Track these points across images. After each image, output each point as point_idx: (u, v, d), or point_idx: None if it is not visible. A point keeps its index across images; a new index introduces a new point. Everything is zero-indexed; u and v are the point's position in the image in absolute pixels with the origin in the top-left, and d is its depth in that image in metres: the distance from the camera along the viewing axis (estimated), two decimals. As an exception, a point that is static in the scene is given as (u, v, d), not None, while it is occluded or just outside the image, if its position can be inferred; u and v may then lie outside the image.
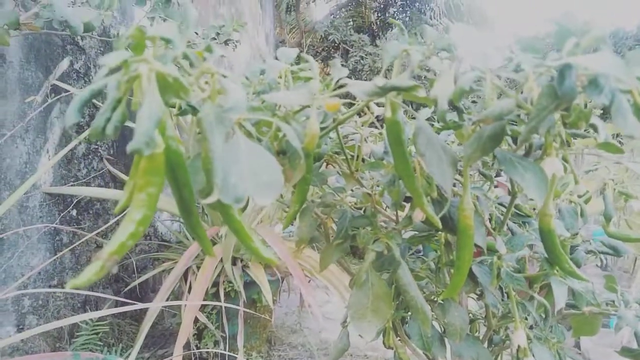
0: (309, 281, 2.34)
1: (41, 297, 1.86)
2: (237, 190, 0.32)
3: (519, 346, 0.56)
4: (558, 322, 0.65)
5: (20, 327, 1.76)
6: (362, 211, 0.58)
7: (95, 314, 1.51)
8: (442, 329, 0.64)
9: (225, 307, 2.21)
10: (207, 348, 2.21)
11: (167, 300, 2.44)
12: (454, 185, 0.59)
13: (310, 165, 0.51)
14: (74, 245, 1.98)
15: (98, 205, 2.25)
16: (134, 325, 2.44)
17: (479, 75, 0.39)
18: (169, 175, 0.37)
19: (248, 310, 2.22)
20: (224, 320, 2.20)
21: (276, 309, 2.81)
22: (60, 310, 1.97)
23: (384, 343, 0.70)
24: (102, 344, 2.09)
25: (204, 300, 2.31)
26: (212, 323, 2.23)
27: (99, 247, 2.27)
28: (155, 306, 2.04)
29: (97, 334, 2.08)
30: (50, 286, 1.90)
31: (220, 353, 2.21)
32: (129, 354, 1.74)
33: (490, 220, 0.66)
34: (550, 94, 0.35)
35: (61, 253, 1.93)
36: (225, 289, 2.21)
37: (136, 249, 2.71)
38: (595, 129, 0.45)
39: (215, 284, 2.22)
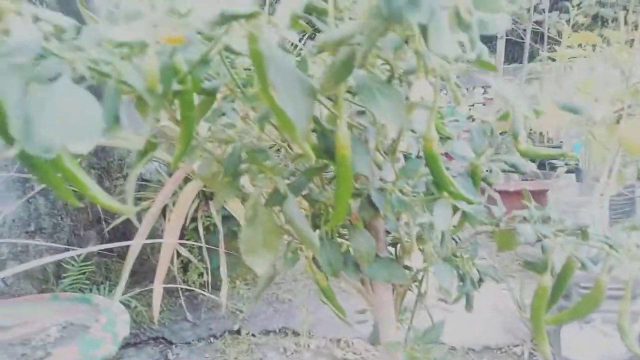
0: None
1: (20, 243, 1.89)
2: (44, 137, 0.31)
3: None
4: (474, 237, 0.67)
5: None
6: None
7: (75, 252, 1.55)
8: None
9: (206, 242, 2.28)
10: (193, 281, 2.30)
11: (148, 237, 2.49)
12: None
13: (188, 102, 0.49)
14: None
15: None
16: (121, 263, 2.51)
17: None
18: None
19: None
20: (206, 254, 2.26)
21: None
22: (42, 255, 2.02)
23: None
24: (89, 282, 2.16)
25: (184, 236, 2.36)
26: (194, 257, 2.30)
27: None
28: (135, 243, 2.09)
29: (83, 273, 2.14)
30: (27, 232, 1.93)
31: (205, 283, 2.30)
32: (115, 291, 1.81)
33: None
34: (377, 15, 0.33)
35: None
36: (203, 223, 2.26)
37: (116, 191, 2.74)
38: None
39: (194, 219, 2.27)
